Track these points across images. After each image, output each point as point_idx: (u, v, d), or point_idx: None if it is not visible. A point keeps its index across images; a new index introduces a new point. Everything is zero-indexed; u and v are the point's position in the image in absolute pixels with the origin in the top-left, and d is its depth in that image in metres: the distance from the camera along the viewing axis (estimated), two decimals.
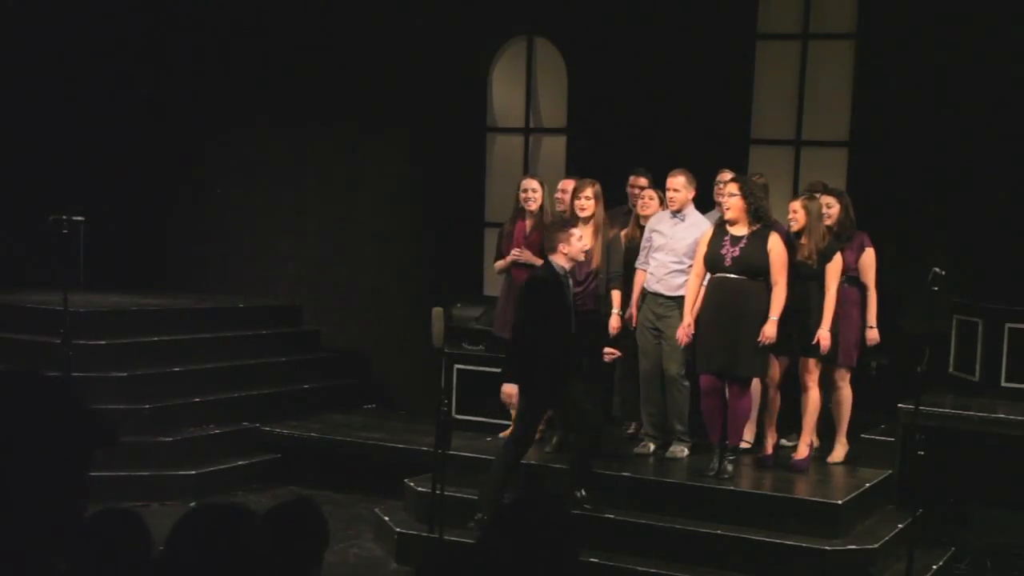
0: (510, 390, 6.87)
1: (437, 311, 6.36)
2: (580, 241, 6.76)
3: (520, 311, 6.74)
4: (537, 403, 6.74)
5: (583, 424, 6.75)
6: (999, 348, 7.94)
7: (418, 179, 10.64)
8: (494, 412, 8.49)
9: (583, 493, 6.78)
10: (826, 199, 7.41)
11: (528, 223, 7.80)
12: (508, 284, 7.86)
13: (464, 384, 9.01)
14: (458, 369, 9.03)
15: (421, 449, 8.21)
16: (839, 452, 7.52)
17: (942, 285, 6.31)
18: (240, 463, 8.69)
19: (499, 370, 8.28)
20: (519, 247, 7.73)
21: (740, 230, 6.92)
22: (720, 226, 7.00)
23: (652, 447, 7.51)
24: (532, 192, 7.75)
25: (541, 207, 7.74)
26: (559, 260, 6.69)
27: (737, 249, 6.86)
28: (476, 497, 6.80)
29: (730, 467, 7.00)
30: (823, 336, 7.09)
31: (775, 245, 6.86)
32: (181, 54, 11.30)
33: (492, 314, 9.11)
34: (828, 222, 7.33)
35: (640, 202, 7.76)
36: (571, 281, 6.76)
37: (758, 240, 6.86)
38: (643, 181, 7.97)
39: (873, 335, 7.44)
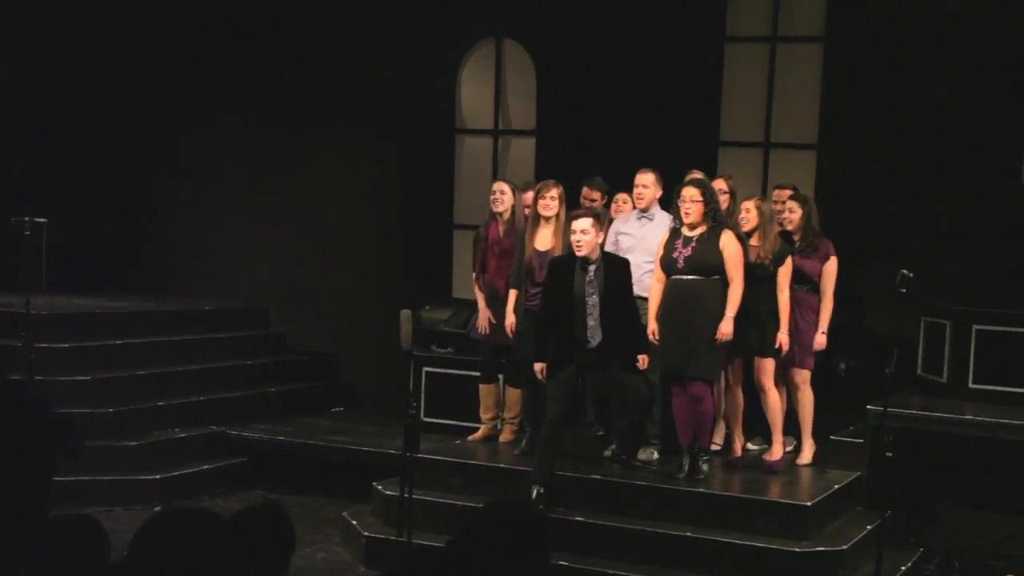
0: (540, 366, 6.91)
1: (405, 313, 6.39)
2: (573, 235, 6.80)
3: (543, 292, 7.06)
4: (555, 377, 6.88)
5: (632, 395, 6.88)
6: (966, 350, 7.98)
7: (387, 180, 10.63)
8: (463, 415, 8.53)
9: (540, 491, 6.79)
10: (790, 204, 7.43)
11: (501, 227, 7.79)
12: (490, 291, 7.85)
13: (432, 387, 9.03)
14: (426, 372, 9.05)
15: (389, 452, 8.19)
16: (807, 453, 7.51)
17: (910, 287, 6.37)
18: (206, 467, 8.63)
19: (472, 372, 8.34)
20: (493, 252, 7.75)
21: (694, 232, 6.93)
22: (675, 231, 7.00)
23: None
24: (500, 194, 7.76)
25: (514, 211, 7.74)
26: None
27: (689, 249, 6.88)
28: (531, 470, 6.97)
29: (705, 467, 7.00)
30: (783, 339, 7.10)
31: (728, 242, 6.86)
32: (148, 54, 11.21)
33: (461, 316, 9.11)
34: (789, 227, 7.36)
35: (614, 206, 7.80)
36: (591, 268, 6.81)
37: (711, 239, 6.87)
38: (595, 195, 7.99)
39: (821, 340, 7.40)
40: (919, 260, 8.15)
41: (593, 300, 6.77)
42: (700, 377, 6.90)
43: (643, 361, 6.87)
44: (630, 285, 6.95)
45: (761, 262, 7.10)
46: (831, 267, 7.44)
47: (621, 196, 7.79)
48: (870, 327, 8.52)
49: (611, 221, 7.70)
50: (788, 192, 7.70)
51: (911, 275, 6.37)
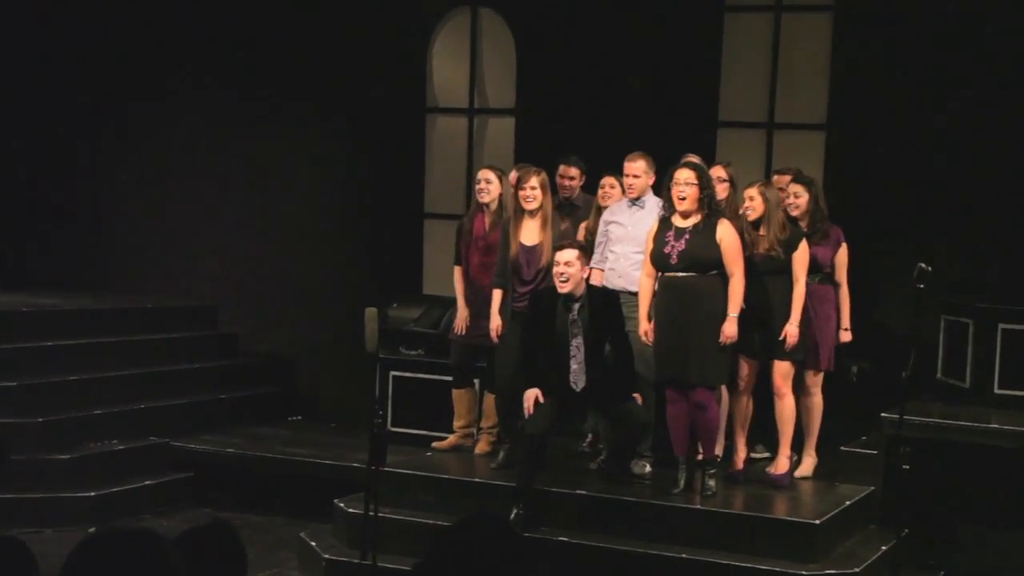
0: (530, 395, 6.95)
1: (371, 312, 6.37)
2: (556, 267, 6.86)
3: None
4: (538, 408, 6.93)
5: (627, 423, 6.90)
6: (992, 351, 7.97)
7: (351, 165, 10.60)
8: (434, 424, 8.54)
9: (520, 508, 6.82)
10: (794, 188, 7.45)
11: (487, 219, 7.80)
12: (472, 289, 7.87)
13: (401, 393, 9.05)
14: (394, 376, 9.07)
15: (352, 466, 8.18)
16: (807, 465, 7.52)
17: (929, 282, 6.35)
18: (147, 483, 8.61)
19: (445, 377, 8.39)
20: (478, 247, 7.76)
21: (686, 221, 6.92)
22: (665, 220, 7.00)
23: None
24: (485, 183, 7.80)
25: (501, 201, 7.76)
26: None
27: (683, 243, 6.87)
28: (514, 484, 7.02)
29: (711, 481, 7.00)
30: (790, 331, 7.09)
31: (726, 233, 6.86)
32: (80, 23, 11.12)
33: (433, 315, 9.09)
34: (795, 213, 7.37)
35: (601, 192, 7.78)
36: (575, 305, 6.87)
37: (706, 230, 6.86)
38: (574, 172, 8.07)
39: (846, 337, 7.48)
40: (939, 252, 8.17)
41: (577, 342, 6.83)
42: (704, 384, 6.93)
43: (637, 399, 6.94)
44: (622, 323, 7.00)
45: (770, 253, 7.13)
46: (844, 255, 7.48)
47: (608, 180, 7.76)
48: (884, 326, 8.54)
49: (598, 208, 7.74)
50: (788, 178, 7.72)
51: (929, 268, 6.34)
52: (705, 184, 6.92)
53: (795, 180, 7.58)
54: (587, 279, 6.97)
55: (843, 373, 7.80)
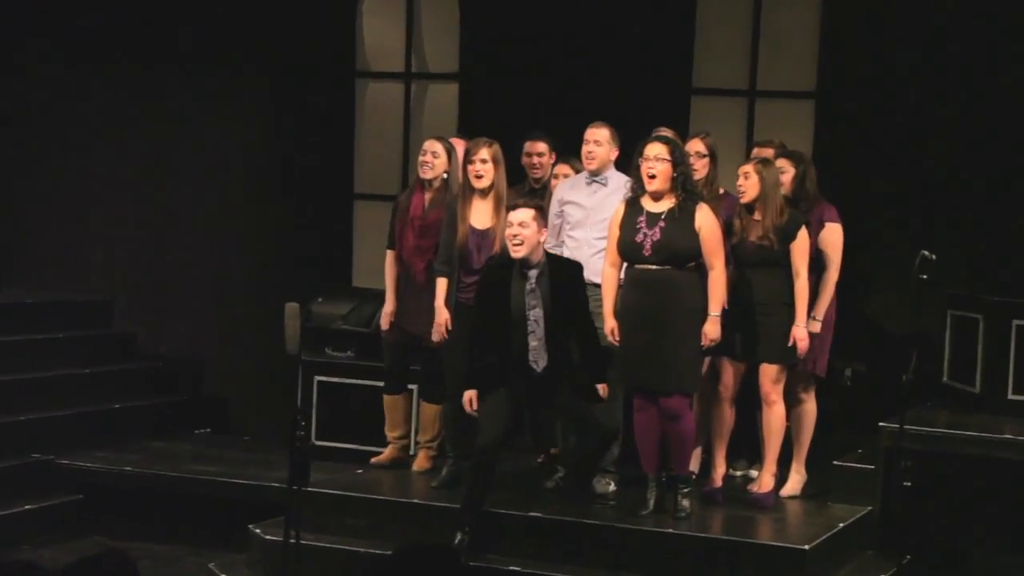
0: (469, 395, 6.96)
1: (292, 307, 6.39)
2: (509, 229, 6.78)
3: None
4: (490, 396, 6.90)
5: (590, 430, 6.92)
6: (1005, 352, 7.97)
7: (268, 137, 10.56)
8: (366, 436, 8.48)
9: (465, 534, 6.80)
10: (780, 163, 7.46)
11: (427, 196, 7.80)
12: (404, 275, 7.87)
13: (327, 401, 8.98)
14: (319, 382, 8.99)
15: (271, 486, 8.16)
16: (795, 483, 7.53)
17: (933, 272, 6.35)
18: (28, 507, 8.52)
19: (379, 383, 8.28)
20: (413, 227, 7.73)
21: (659, 205, 6.91)
22: (633, 202, 6.98)
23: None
24: (431, 156, 7.80)
25: (446, 178, 7.73)
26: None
27: (657, 231, 6.85)
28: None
29: (686, 501, 6.99)
30: (799, 334, 7.09)
31: (705, 220, 6.86)
32: None
33: (364, 311, 9.06)
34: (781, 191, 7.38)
35: (554, 182, 7.77)
36: (532, 273, 6.81)
37: (683, 217, 6.86)
38: (541, 147, 8.02)
39: (814, 327, 7.34)
40: (945, 237, 8.16)
41: (536, 314, 6.81)
42: (680, 391, 6.92)
43: (603, 390, 6.91)
44: (584, 294, 6.98)
45: (763, 242, 7.13)
46: (831, 236, 7.48)
47: (561, 169, 7.83)
48: (881, 323, 8.55)
49: (534, 191, 7.82)
50: (770, 151, 7.75)
51: (934, 256, 6.37)
52: (678, 160, 6.92)
53: (782, 154, 7.60)
54: (544, 242, 6.93)
55: (835, 377, 7.79)
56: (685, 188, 6.89)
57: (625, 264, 6.99)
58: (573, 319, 6.86)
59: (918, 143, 9.02)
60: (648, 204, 6.92)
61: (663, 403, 6.89)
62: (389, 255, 7.97)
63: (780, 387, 7.23)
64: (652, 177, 6.87)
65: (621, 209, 7.02)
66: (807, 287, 7.16)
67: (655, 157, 6.87)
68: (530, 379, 6.83)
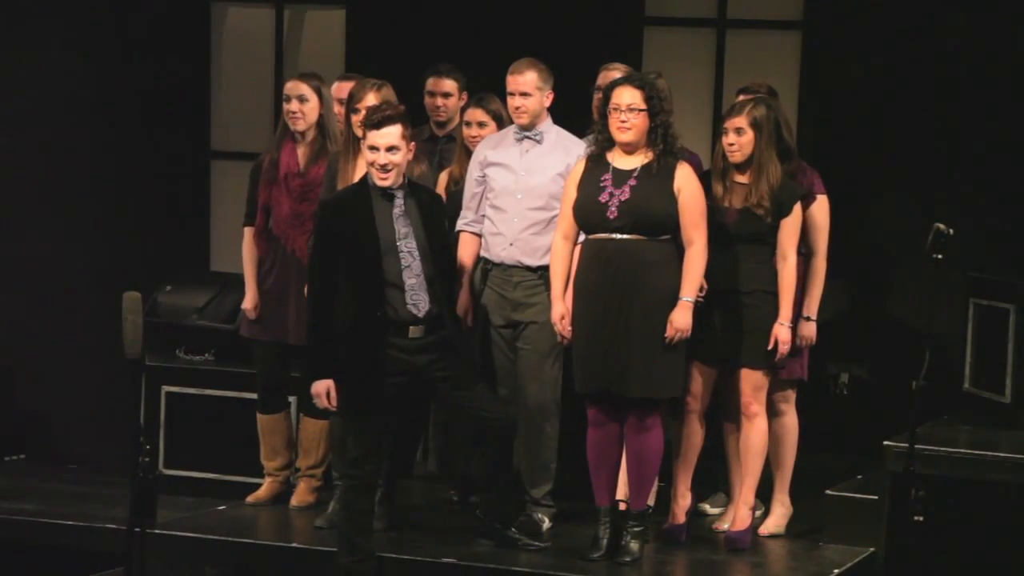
0: (322, 387, 6.91)
1: (131, 298, 6.22)
2: (372, 152, 6.81)
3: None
4: (350, 404, 6.85)
5: (479, 415, 7.05)
6: None
7: (99, 80, 10.40)
8: (228, 463, 8.48)
9: None
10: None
11: (301, 152, 7.76)
12: (276, 254, 7.80)
13: (179, 418, 8.90)
14: (168, 393, 8.93)
15: (106, 527, 8.08)
16: (778, 517, 7.55)
17: (950, 251, 6.37)
18: None
19: (245, 394, 8.54)
20: (288, 189, 7.74)
21: (630, 161, 6.86)
22: (597, 158, 6.90)
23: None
24: (298, 102, 7.77)
25: (321, 125, 7.68)
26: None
27: (626, 190, 6.81)
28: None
29: (635, 544, 6.93)
30: (782, 335, 7.06)
31: (686, 182, 6.82)
32: None
33: (226, 302, 9.02)
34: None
35: (466, 130, 7.83)
36: (399, 196, 6.83)
37: (660, 176, 6.82)
38: (449, 85, 8.05)
39: (809, 329, 7.47)
40: (963, 207, 8.28)
41: (410, 246, 6.87)
42: (650, 396, 6.83)
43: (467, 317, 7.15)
44: (444, 223, 7.04)
45: (757, 211, 7.09)
46: (820, 212, 7.47)
47: (475, 114, 7.78)
48: (886, 316, 8.65)
49: (465, 148, 7.85)
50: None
51: (950, 231, 6.33)
52: (656, 108, 6.84)
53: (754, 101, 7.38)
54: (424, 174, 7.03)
55: (828, 384, 7.88)
56: (665, 141, 6.86)
57: (583, 235, 6.90)
58: (444, 249, 6.96)
59: (931, 87, 8.92)
60: (616, 159, 6.84)
61: (628, 412, 6.85)
62: (247, 233, 7.91)
63: (763, 396, 7.19)
64: (626, 130, 6.82)
65: (580, 166, 6.94)
66: (795, 275, 7.11)
67: (627, 108, 6.81)
68: (408, 350, 6.80)
